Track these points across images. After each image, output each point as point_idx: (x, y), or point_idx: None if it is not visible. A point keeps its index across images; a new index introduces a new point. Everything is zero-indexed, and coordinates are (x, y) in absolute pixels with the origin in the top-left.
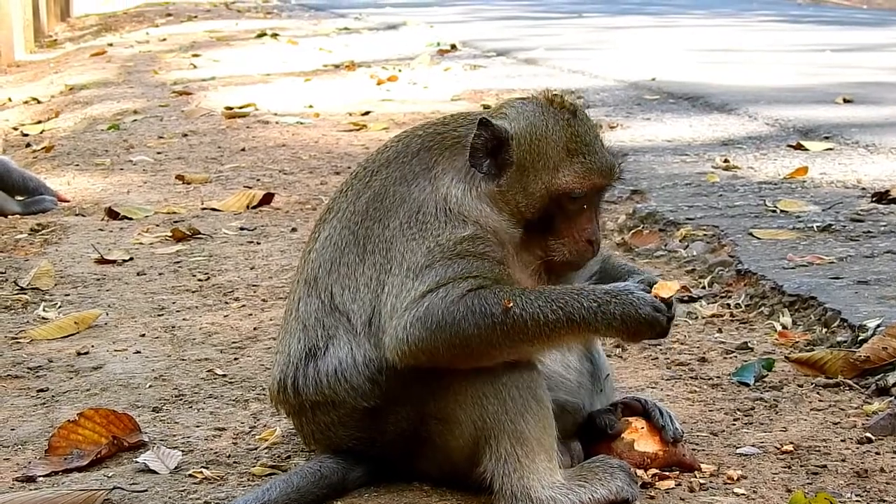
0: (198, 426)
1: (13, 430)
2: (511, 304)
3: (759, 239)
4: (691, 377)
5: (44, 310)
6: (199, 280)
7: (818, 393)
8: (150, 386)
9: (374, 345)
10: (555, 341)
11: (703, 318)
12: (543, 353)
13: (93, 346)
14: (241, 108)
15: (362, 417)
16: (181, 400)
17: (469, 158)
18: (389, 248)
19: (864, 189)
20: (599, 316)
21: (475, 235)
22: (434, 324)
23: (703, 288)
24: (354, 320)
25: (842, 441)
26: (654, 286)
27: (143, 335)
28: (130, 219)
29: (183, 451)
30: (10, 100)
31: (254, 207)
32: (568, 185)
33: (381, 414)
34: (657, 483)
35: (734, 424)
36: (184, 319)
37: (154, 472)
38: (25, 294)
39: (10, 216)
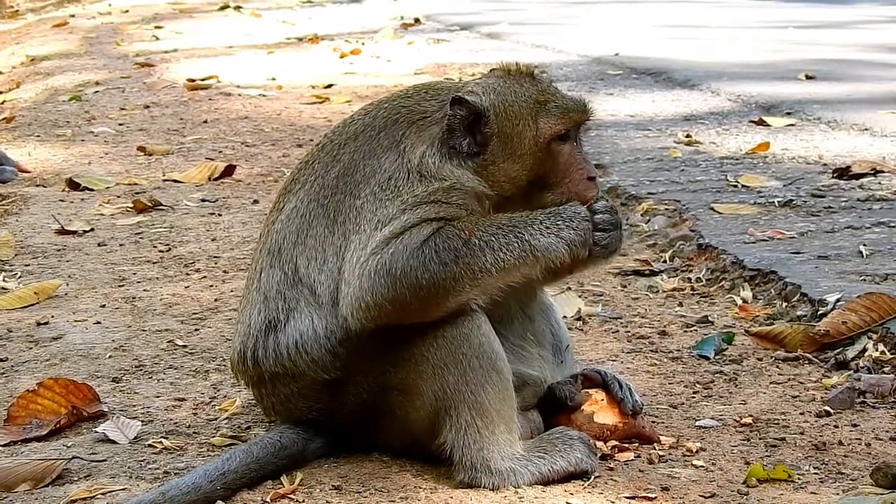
0: (157, 396)
1: None
2: (470, 235)
3: (720, 214)
4: (651, 350)
5: (4, 280)
6: (160, 251)
7: (777, 366)
8: (109, 356)
9: (336, 316)
10: (512, 269)
11: (664, 291)
12: (503, 283)
13: (53, 317)
14: (203, 80)
15: (322, 389)
16: (141, 370)
17: (447, 139)
18: (359, 213)
19: (825, 165)
20: (548, 235)
21: (451, 187)
22: (400, 269)
23: (665, 262)
24: (320, 291)
25: (800, 414)
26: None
27: (104, 306)
28: (91, 190)
29: (142, 421)
30: None
31: (215, 179)
32: (552, 128)
33: (342, 386)
34: (616, 455)
35: (694, 397)
36: (144, 290)
37: (113, 441)
38: None
39: None
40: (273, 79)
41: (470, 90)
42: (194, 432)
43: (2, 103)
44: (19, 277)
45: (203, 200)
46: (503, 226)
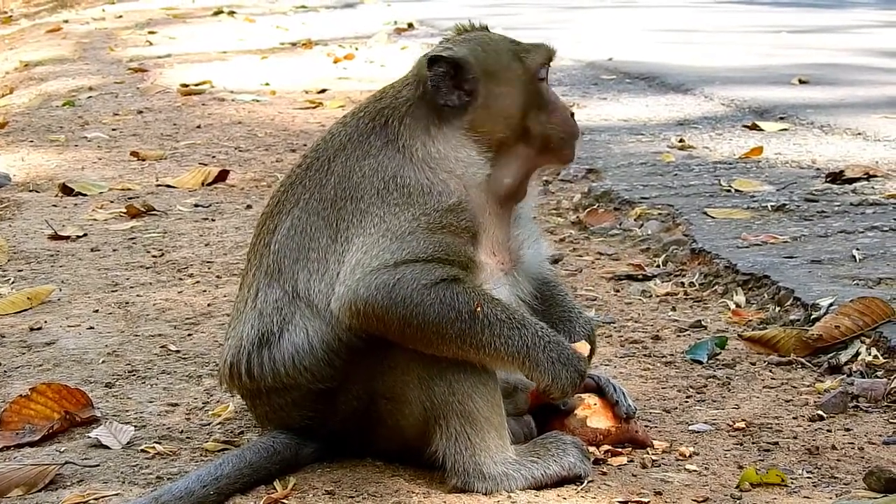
0: (150, 402)
1: None
2: (479, 309)
3: (713, 218)
4: (645, 355)
5: None
6: (154, 256)
7: (771, 371)
8: (102, 361)
9: (330, 324)
10: (498, 357)
11: (657, 296)
12: (481, 363)
13: (46, 322)
14: (196, 85)
15: (316, 399)
16: (134, 375)
17: (436, 99)
18: (365, 216)
19: (818, 169)
20: (547, 352)
21: (460, 203)
22: (400, 298)
23: (658, 266)
24: (317, 300)
25: (794, 418)
26: (576, 344)
27: (97, 311)
28: (85, 195)
29: (135, 426)
30: None
31: (209, 184)
32: (536, 60)
33: (334, 394)
34: (610, 459)
35: (687, 402)
36: (137, 295)
37: (106, 447)
38: None
39: None
40: (267, 84)
41: (441, 48)
42: (187, 437)
43: None
44: (12, 283)
45: (196, 205)
46: (513, 318)
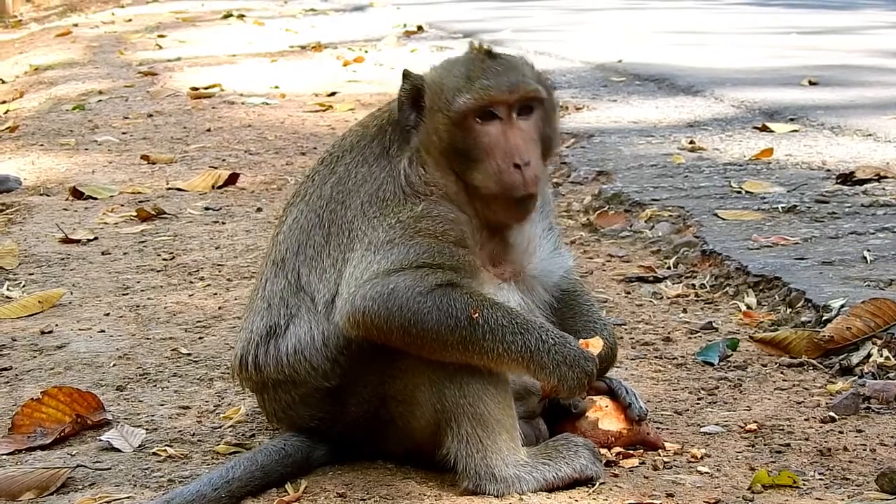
0: (162, 405)
1: None
2: (477, 315)
3: (724, 220)
4: (656, 357)
5: (7, 289)
6: (164, 259)
7: (782, 372)
8: (114, 365)
9: (332, 322)
10: (502, 362)
11: (668, 298)
12: (486, 367)
13: (57, 325)
14: (206, 88)
15: (323, 397)
16: (145, 378)
17: (398, 113)
18: (352, 229)
19: (828, 170)
20: (551, 354)
21: (432, 212)
22: (396, 307)
23: (668, 268)
24: (318, 299)
25: (805, 420)
26: (591, 340)
27: (108, 314)
28: (95, 198)
29: (147, 429)
30: None
31: (219, 187)
32: (465, 103)
33: (342, 394)
34: (621, 461)
35: (698, 403)
36: (148, 299)
37: (118, 450)
38: None
39: None
40: (276, 87)
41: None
42: (199, 440)
43: (5, 113)
44: (23, 286)
45: (207, 209)
46: (516, 322)
